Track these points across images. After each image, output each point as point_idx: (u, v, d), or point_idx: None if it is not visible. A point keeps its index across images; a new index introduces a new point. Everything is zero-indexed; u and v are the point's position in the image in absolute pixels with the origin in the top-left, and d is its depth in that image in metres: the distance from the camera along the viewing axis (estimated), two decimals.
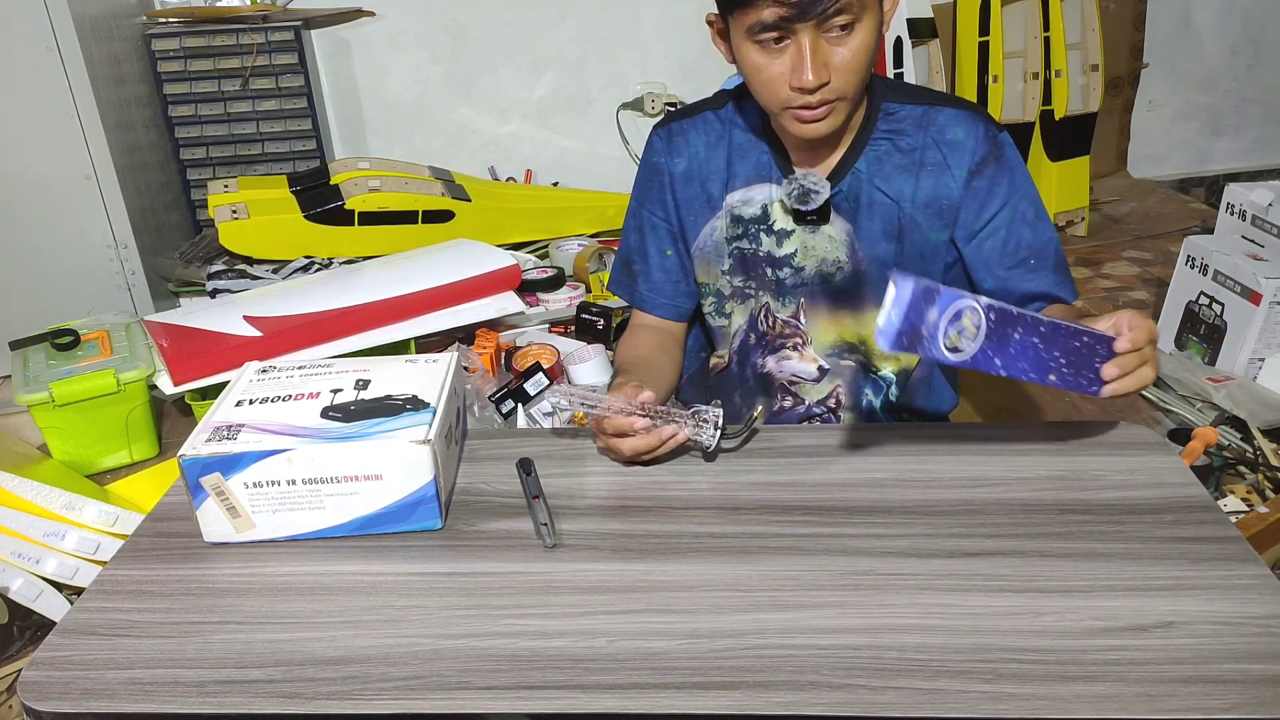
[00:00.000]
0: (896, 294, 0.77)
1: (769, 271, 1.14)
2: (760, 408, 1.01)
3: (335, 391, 0.92)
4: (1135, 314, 0.87)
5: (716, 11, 1.00)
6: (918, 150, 1.07)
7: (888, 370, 1.17)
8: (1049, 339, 0.82)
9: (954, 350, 0.79)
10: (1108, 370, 0.85)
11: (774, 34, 0.93)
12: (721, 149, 1.12)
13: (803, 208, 1.07)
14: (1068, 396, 2.02)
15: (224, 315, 2.01)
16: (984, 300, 0.80)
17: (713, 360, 1.25)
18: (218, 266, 2.48)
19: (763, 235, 1.12)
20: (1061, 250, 1.10)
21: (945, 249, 1.10)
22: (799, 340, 1.16)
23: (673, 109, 1.20)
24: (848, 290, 1.12)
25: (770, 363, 1.19)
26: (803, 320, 1.15)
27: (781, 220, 1.11)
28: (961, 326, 0.79)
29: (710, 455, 0.96)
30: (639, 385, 0.96)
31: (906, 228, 1.08)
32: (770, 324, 1.17)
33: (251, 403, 0.91)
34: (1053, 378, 0.83)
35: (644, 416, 0.92)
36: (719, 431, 0.93)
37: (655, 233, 1.18)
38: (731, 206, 1.13)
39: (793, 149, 1.09)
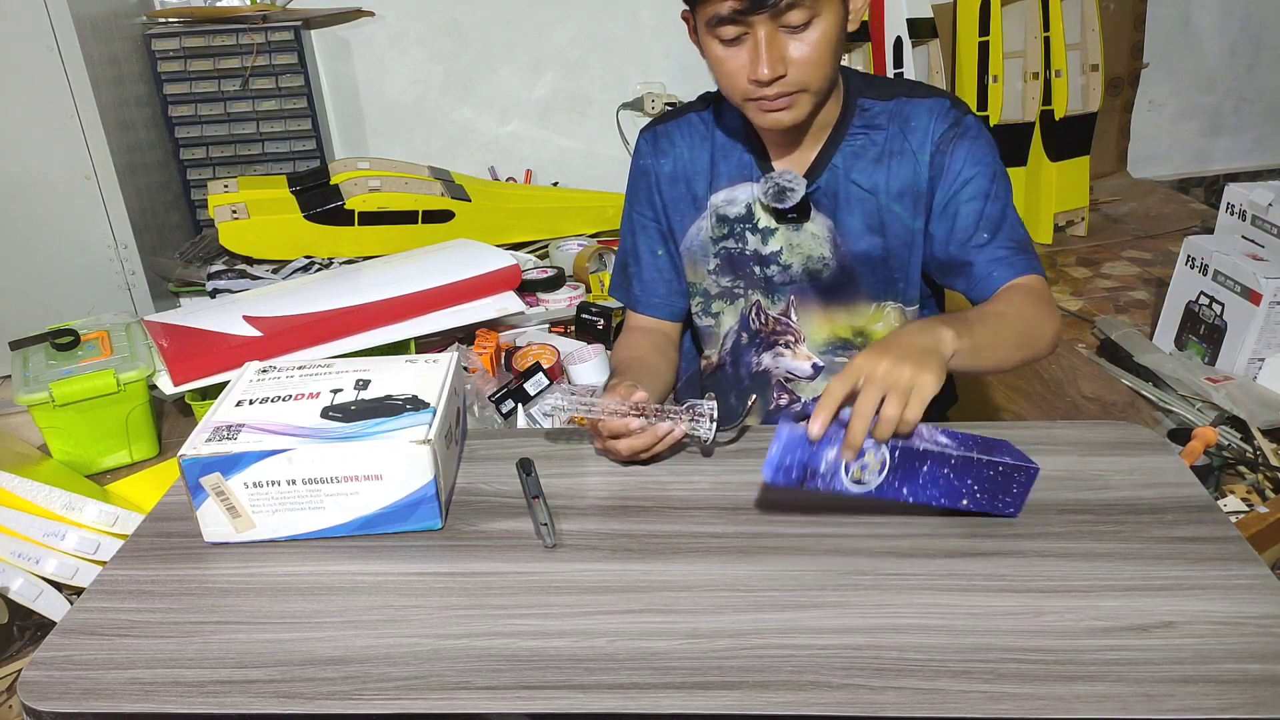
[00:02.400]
0: (777, 433, 0.79)
1: (757, 270, 1.14)
2: (755, 398, 1.01)
3: (335, 391, 0.92)
4: (853, 361, 0.84)
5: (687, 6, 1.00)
6: (889, 141, 1.07)
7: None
8: (960, 469, 0.82)
9: (858, 483, 0.81)
10: (845, 453, 0.81)
11: (731, 27, 0.94)
12: (705, 150, 1.13)
13: (779, 205, 1.08)
14: (1068, 396, 2.03)
15: (224, 315, 2.01)
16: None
17: (703, 362, 1.25)
18: (218, 266, 2.48)
19: (748, 234, 1.13)
20: (1019, 227, 1.07)
21: (924, 238, 1.10)
22: (792, 338, 1.16)
23: (672, 109, 1.21)
24: (837, 286, 1.13)
25: (765, 360, 1.19)
26: (794, 317, 1.15)
27: (765, 218, 1.12)
28: (865, 463, 0.80)
29: (708, 449, 0.96)
30: (632, 385, 0.96)
31: (887, 219, 1.09)
32: (763, 322, 1.17)
33: (251, 403, 0.91)
34: (965, 502, 0.84)
35: (639, 416, 0.92)
36: (714, 424, 0.93)
37: (646, 233, 1.19)
38: (716, 206, 1.13)
39: (770, 146, 1.10)
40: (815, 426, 0.79)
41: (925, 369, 0.80)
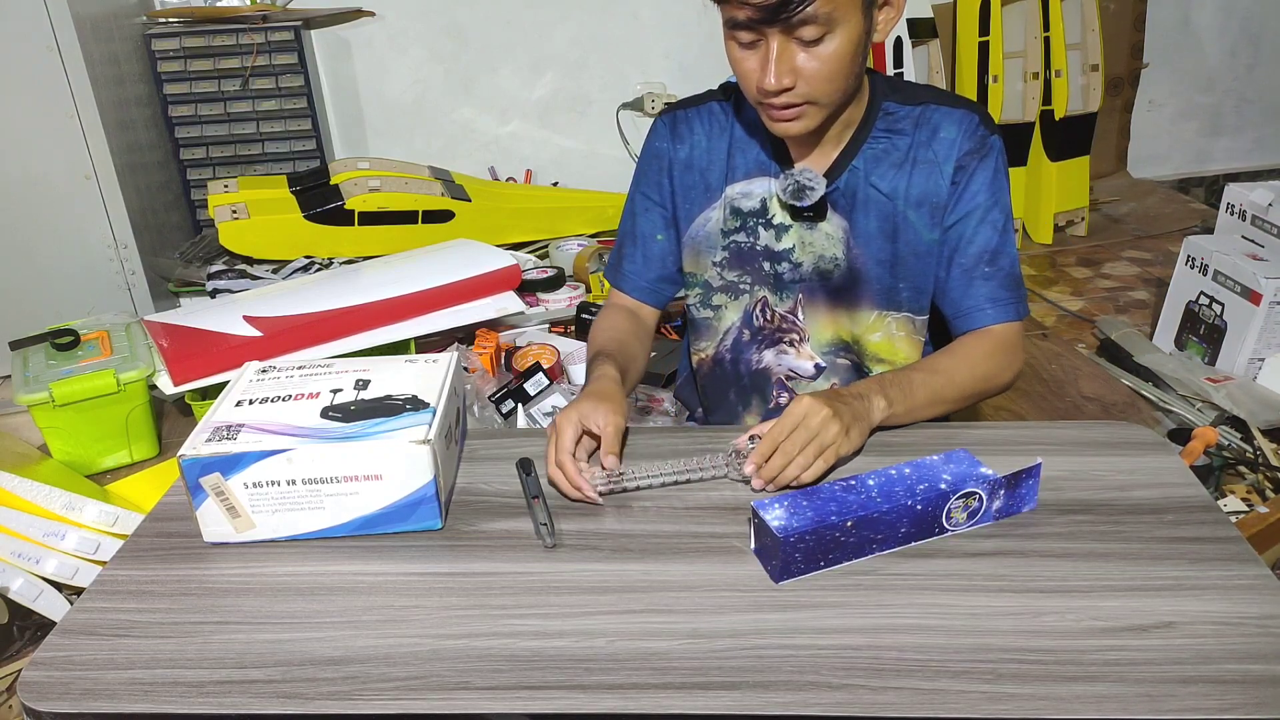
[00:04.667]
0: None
1: (766, 265, 1.14)
2: None
3: (335, 391, 0.92)
4: (797, 404, 0.90)
5: None
6: (912, 148, 1.07)
7: (877, 373, 1.16)
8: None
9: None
10: (746, 468, 0.90)
11: (747, 33, 0.94)
12: (724, 140, 1.13)
13: (797, 203, 1.07)
14: (1068, 396, 2.03)
15: (224, 315, 2.01)
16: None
17: (697, 357, 1.25)
18: (218, 266, 2.48)
19: (760, 229, 1.12)
20: (1018, 268, 1.10)
21: (938, 249, 1.09)
22: (796, 336, 1.16)
23: (693, 95, 1.20)
24: (844, 288, 1.12)
25: (767, 358, 1.19)
26: (800, 316, 1.15)
27: (780, 215, 1.11)
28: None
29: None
30: (616, 438, 0.94)
31: (900, 226, 1.08)
32: (768, 318, 1.17)
33: (251, 403, 0.91)
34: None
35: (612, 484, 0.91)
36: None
37: (649, 215, 1.18)
38: (731, 199, 1.13)
39: (791, 144, 1.09)
40: (749, 467, 0.90)
41: (850, 435, 0.92)
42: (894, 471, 0.85)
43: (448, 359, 1.00)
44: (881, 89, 1.08)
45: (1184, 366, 2.03)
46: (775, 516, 0.79)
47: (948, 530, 0.84)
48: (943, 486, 0.82)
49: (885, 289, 1.11)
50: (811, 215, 1.10)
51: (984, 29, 2.74)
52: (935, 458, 0.87)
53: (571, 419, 0.93)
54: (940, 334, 1.16)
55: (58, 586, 1.49)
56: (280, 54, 2.71)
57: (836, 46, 0.94)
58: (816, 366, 1.17)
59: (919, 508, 0.81)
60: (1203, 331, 2.08)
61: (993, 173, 1.06)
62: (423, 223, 2.62)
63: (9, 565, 1.47)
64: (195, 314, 2.10)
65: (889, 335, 1.13)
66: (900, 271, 1.10)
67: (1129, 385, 2.05)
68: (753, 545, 0.83)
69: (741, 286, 1.16)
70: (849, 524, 0.79)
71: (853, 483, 0.84)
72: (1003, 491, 0.84)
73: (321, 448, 0.83)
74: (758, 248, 1.13)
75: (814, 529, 0.78)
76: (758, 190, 1.12)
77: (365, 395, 0.92)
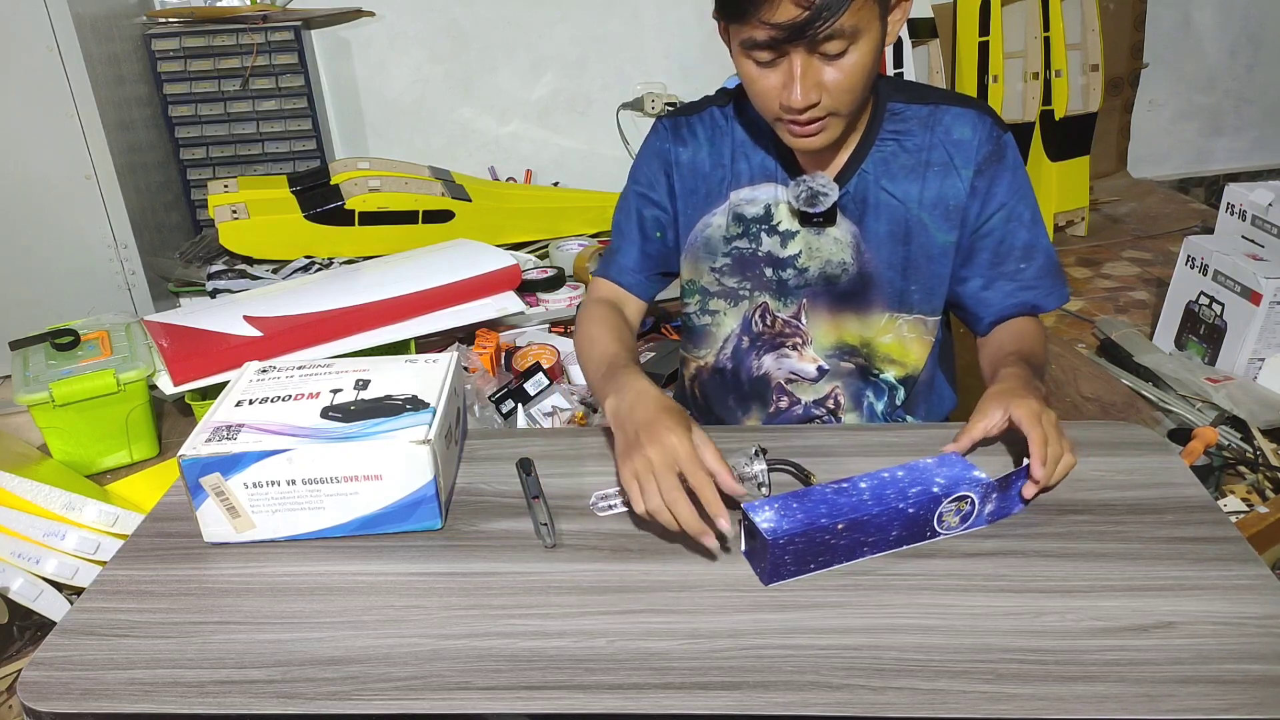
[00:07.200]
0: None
1: (769, 272, 1.13)
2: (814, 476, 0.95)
3: (335, 391, 0.92)
4: (1019, 407, 0.88)
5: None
6: (924, 150, 1.07)
7: (890, 375, 1.16)
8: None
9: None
10: (1028, 490, 0.87)
11: (766, 52, 0.93)
12: (725, 146, 1.13)
13: (810, 210, 1.07)
14: (1068, 396, 2.03)
15: (224, 315, 2.02)
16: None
17: (695, 364, 1.24)
18: (218, 266, 2.48)
19: (764, 235, 1.12)
20: (1054, 255, 1.10)
21: (953, 252, 1.09)
22: (799, 340, 1.16)
23: (673, 108, 1.20)
24: (852, 293, 1.12)
25: (768, 362, 1.18)
26: (803, 321, 1.15)
27: (786, 221, 1.11)
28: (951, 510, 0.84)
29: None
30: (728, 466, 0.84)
31: (914, 229, 1.08)
32: (768, 324, 1.16)
33: (251, 403, 0.91)
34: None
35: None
36: (767, 487, 0.91)
37: (646, 212, 1.18)
38: (735, 205, 1.12)
39: (798, 151, 1.09)
40: (1040, 471, 0.84)
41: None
42: (886, 474, 0.85)
43: (448, 359, 1.00)
44: (885, 90, 1.08)
45: (1184, 366, 2.03)
46: (765, 519, 0.79)
47: (939, 534, 0.83)
48: (935, 490, 0.82)
49: (896, 292, 1.11)
50: (820, 221, 1.10)
51: (984, 29, 2.74)
52: (928, 460, 0.87)
53: (692, 434, 0.84)
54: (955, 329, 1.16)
55: (58, 586, 1.49)
56: (280, 54, 2.71)
57: (859, 57, 0.93)
58: (819, 369, 1.17)
59: (910, 511, 0.81)
60: (1203, 331, 2.08)
61: (1013, 172, 1.07)
62: (423, 223, 2.62)
63: (9, 565, 1.47)
64: (195, 314, 2.10)
65: (899, 337, 1.13)
66: (911, 274, 1.10)
67: (1129, 385, 2.05)
68: (743, 547, 0.83)
69: (741, 292, 1.16)
70: (839, 526, 0.79)
71: (844, 485, 0.84)
72: (994, 495, 0.84)
73: (321, 448, 0.83)
74: (760, 254, 1.13)
75: (804, 531, 0.78)
76: (762, 196, 1.11)
77: (365, 395, 0.92)
